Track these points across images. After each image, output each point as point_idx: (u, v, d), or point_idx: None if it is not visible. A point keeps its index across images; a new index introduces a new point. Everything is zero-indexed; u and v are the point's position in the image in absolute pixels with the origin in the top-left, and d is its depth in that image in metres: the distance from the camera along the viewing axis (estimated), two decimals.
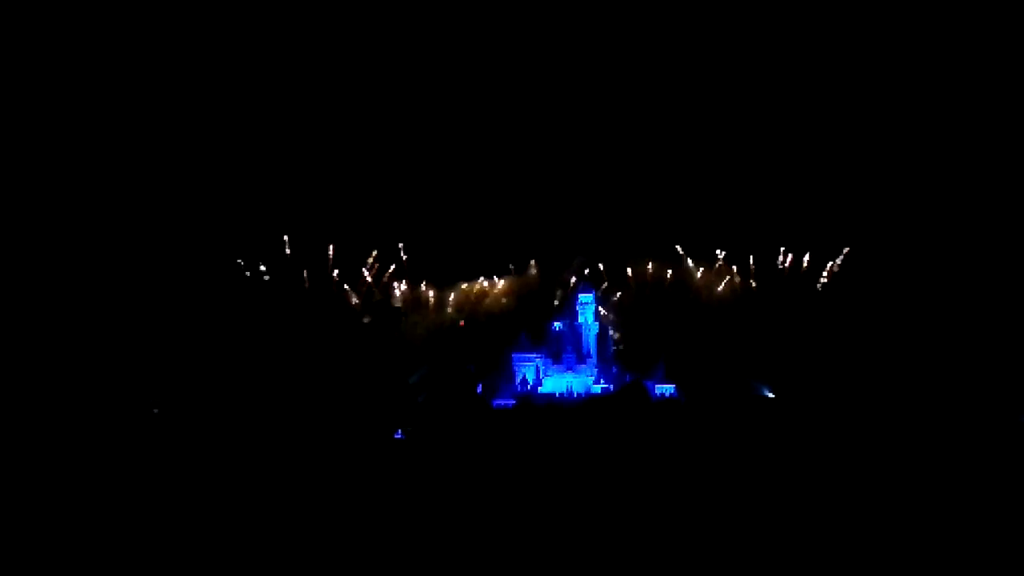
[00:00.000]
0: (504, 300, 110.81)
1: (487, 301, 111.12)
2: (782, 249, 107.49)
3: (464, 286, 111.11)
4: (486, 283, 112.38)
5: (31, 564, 31.10)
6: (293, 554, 32.91)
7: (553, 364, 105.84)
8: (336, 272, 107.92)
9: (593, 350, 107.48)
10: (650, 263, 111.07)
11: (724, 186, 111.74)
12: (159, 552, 33.42)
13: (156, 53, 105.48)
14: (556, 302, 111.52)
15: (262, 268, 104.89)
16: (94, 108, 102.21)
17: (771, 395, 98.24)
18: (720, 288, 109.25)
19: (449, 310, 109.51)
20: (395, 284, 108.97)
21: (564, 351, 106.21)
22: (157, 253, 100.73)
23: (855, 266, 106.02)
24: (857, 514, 39.76)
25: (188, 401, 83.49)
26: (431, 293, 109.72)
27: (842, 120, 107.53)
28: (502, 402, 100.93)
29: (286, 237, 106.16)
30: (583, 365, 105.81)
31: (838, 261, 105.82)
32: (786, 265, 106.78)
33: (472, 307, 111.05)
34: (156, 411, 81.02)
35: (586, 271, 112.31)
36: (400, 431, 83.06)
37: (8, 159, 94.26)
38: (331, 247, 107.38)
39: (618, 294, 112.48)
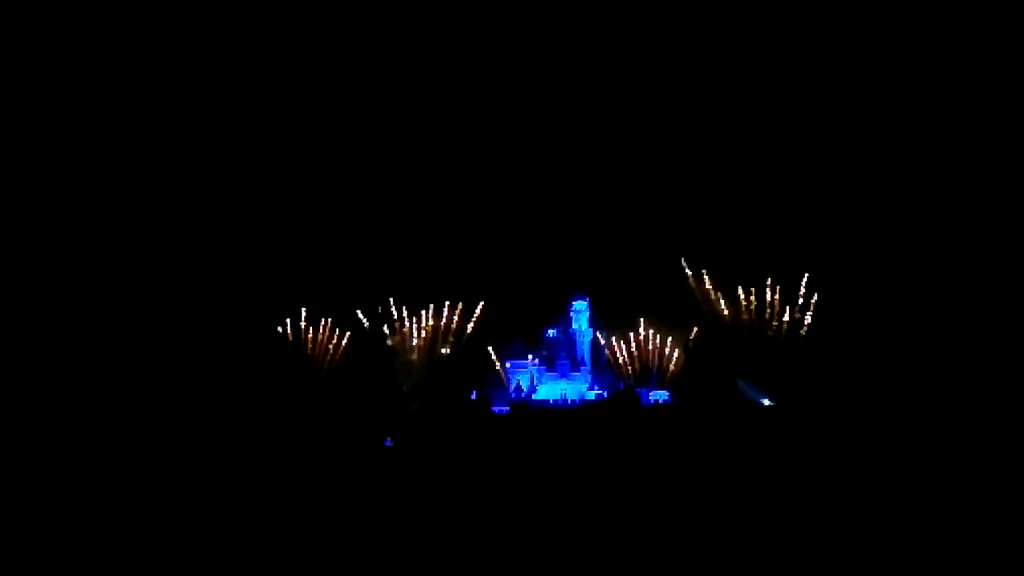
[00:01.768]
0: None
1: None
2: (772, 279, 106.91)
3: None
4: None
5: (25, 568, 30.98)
6: (284, 560, 32.89)
7: (547, 371, 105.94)
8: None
9: (587, 357, 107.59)
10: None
11: (716, 197, 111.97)
12: (147, 559, 33.31)
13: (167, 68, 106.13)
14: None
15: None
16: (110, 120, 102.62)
17: (768, 403, 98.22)
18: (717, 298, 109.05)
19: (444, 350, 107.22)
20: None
21: (558, 358, 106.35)
22: (154, 260, 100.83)
23: (851, 274, 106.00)
24: (859, 521, 39.54)
25: (180, 410, 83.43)
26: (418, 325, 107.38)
27: (829, 135, 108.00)
28: (496, 409, 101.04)
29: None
30: (577, 372, 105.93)
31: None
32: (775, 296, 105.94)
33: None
34: (147, 420, 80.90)
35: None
36: (389, 439, 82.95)
37: (8, 162, 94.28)
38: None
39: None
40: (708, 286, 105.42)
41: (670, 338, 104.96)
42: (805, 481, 54.17)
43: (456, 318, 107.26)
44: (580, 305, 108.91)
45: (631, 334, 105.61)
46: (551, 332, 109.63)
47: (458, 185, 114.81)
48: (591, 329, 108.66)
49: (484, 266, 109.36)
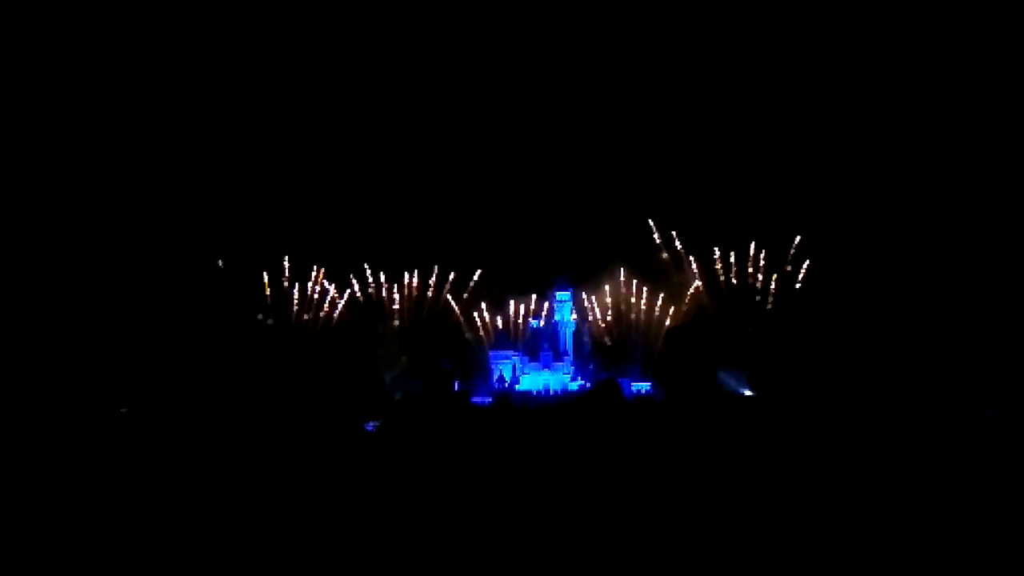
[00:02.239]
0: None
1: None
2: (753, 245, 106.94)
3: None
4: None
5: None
6: (267, 547, 32.43)
7: (530, 362, 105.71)
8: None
9: (570, 348, 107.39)
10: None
11: (703, 179, 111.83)
12: (125, 551, 32.68)
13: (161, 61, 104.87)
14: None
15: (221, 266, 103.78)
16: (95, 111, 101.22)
17: (749, 393, 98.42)
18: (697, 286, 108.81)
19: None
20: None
21: (541, 349, 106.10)
22: (129, 250, 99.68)
23: (830, 261, 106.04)
24: (836, 511, 39.38)
25: (156, 399, 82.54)
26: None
27: (814, 118, 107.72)
28: (479, 400, 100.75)
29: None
30: (560, 363, 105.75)
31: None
32: (759, 263, 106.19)
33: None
34: (123, 410, 79.97)
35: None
36: (371, 423, 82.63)
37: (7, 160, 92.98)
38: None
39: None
40: (691, 264, 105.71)
41: (651, 325, 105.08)
42: (788, 474, 53.99)
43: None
44: (563, 295, 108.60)
45: (607, 287, 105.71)
46: (534, 323, 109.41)
47: (448, 171, 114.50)
48: (574, 320, 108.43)
49: (471, 251, 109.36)
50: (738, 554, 31.29)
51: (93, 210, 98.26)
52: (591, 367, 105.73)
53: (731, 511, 39.64)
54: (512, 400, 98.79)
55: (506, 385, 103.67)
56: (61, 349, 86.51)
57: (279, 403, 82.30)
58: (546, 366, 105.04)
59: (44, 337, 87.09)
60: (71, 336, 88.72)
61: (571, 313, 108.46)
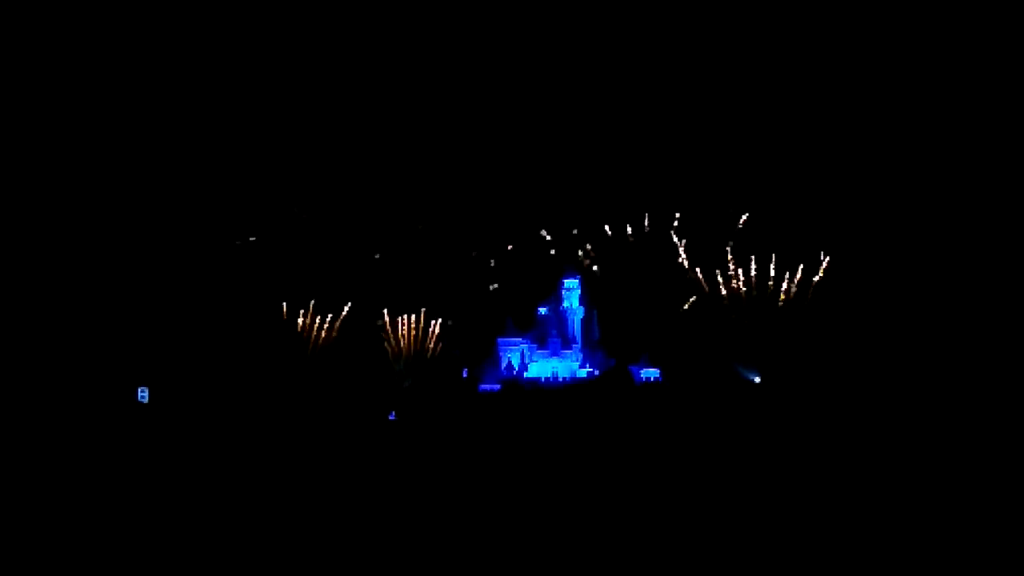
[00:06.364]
0: None
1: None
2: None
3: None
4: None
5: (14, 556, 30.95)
6: (292, 531, 33.12)
7: (538, 349, 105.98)
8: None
9: (578, 335, 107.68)
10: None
11: (710, 170, 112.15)
12: (150, 534, 33.37)
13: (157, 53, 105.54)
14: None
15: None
16: (93, 107, 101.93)
17: (757, 380, 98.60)
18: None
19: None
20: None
21: (549, 336, 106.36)
22: (152, 238, 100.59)
23: (842, 255, 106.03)
24: (842, 501, 39.96)
25: (180, 384, 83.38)
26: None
27: (828, 114, 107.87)
28: (488, 387, 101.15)
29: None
30: (568, 350, 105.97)
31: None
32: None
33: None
34: (142, 390, 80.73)
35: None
36: (393, 413, 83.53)
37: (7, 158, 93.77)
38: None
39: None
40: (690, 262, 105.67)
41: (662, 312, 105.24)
42: (793, 462, 54.40)
43: None
44: (572, 283, 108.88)
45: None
46: (542, 310, 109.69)
47: (451, 163, 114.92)
48: (582, 307, 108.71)
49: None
50: (743, 543, 31.72)
51: (108, 203, 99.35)
52: (600, 354, 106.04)
53: (739, 498, 40.04)
54: (520, 387, 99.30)
55: (514, 372, 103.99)
56: (86, 332, 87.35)
57: (306, 396, 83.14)
58: (555, 353, 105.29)
59: (70, 320, 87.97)
60: (96, 320, 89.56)
61: (579, 300, 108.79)
